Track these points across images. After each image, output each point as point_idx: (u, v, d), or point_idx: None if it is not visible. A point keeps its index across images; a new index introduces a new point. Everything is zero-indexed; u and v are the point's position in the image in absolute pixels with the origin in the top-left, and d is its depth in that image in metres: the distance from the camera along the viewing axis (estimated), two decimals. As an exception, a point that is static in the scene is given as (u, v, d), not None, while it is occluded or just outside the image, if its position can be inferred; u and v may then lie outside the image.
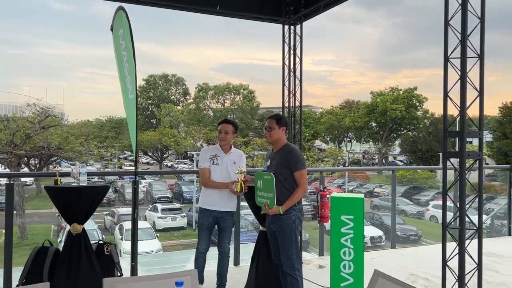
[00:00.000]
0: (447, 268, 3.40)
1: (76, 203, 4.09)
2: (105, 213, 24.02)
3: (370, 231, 19.66)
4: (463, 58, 3.27)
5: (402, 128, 48.93)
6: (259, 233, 4.55)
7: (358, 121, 48.59)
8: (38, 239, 19.33)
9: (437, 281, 4.47)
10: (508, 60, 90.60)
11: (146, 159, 55.91)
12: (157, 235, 19.62)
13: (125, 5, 4.53)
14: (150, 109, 60.41)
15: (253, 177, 4.02)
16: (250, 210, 4.48)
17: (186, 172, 38.36)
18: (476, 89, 3.31)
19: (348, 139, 55.96)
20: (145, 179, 37.32)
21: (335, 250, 4.16)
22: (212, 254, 4.40)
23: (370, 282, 2.23)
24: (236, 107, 49.94)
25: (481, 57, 3.30)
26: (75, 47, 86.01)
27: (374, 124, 49.43)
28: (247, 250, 5.48)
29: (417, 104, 47.58)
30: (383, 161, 49.87)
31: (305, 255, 6.27)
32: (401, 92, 47.42)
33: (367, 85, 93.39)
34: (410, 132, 48.00)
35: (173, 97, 61.59)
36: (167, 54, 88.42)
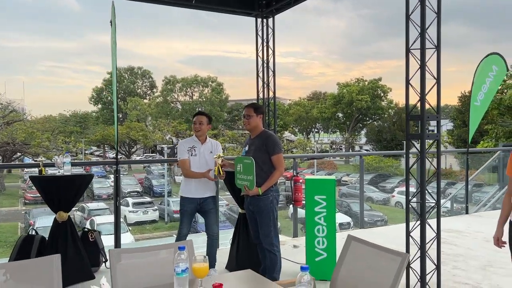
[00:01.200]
0: (410, 238, 3.79)
1: (62, 191, 4.23)
2: (74, 208, 23.65)
3: (339, 217, 20.33)
4: (423, 49, 3.63)
5: (367, 118, 50.31)
6: (239, 215, 4.82)
7: (325, 112, 49.59)
8: (5, 238, 18.87)
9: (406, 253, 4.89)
10: (468, 51, 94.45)
11: (113, 153, 54.94)
12: (129, 229, 19.56)
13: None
14: (116, 102, 59.21)
15: (231, 162, 4.28)
16: (224, 201, 4.82)
17: (164, 161, 38.00)
18: (434, 77, 3.68)
19: (316, 130, 57.05)
20: (113, 173, 36.80)
21: (310, 228, 4.49)
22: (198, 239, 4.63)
23: (344, 245, 2.54)
24: (204, 99, 49.79)
25: (438, 48, 3.67)
26: (35, 40, 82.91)
27: (340, 115, 50.59)
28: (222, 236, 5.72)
29: (382, 94, 49.01)
30: (350, 150, 51.12)
31: (280, 237, 6.58)
32: (366, 83, 48.69)
33: (333, 76, 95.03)
34: (375, 122, 49.45)
35: (139, 90, 60.58)
36: (133, 46, 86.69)
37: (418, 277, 3.74)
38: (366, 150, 53.38)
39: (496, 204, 9.48)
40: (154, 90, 60.20)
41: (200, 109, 47.99)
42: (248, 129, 4.11)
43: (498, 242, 3.03)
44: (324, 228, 4.48)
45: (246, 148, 4.11)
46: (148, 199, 26.11)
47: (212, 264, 4.50)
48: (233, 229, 5.07)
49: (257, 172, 3.88)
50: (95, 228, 17.82)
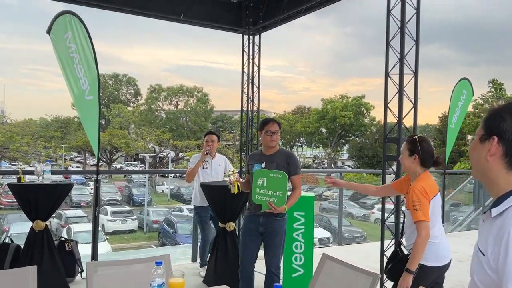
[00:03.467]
0: (385, 257, 3.88)
1: (40, 200, 4.20)
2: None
3: (319, 232, 20.40)
4: (401, 74, 3.78)
5: (350, 135, 50.90)
6: (218, 230, 4.85)
7: (309, 127, 50.01)
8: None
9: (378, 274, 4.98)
10: (450, 72, 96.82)
11: (94, 160, 54.09)
12: (106, 238, 19.24)
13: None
14: (99, 109, 58.47)
15: (242, 179, 4.24)
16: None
17: (146, 172, 37.61)
18: (411, 101, 3.82)
19: (300, 144, 57.39)
20: (92, 180, 36.24)
21: (287, 244, 4.54)
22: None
23: (319, 263, 2.61)
24: (189, 109, 49.66)
25: (416, 73, 3.82)
26: (18, 42, 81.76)
27: (324, 130, 51.06)
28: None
29: (365, 111, 49.74)
30: (332, 165, 51.56)
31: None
32: (350, 99, 49.38)
33: (318, 91, 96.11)
34: (357, 138, 50.06)
35: (123, 97, 60.10)
36: (119, 53, 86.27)
37: (391, 296, 3.82)
38: (348, 165, 53.92)
39: (471, 224, 9.71)
40: (139, 97, 59.81)
41: (182, 119, 47.97)
42: (272, 146, 3.71)
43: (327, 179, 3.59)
44: (302, 245, 4.54)
45: (263, 165, 3.71)
46: (127, 208, 25.77)
47: (203, 263, 5.16)
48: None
49: None
50: (72, 236, 17.52)
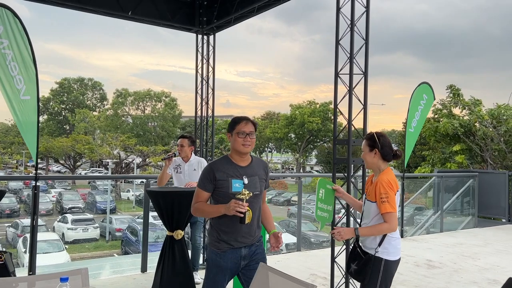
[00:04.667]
0: (335, 264, 3.74)
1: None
2: (6, 224, 22.10)
3: (286, 238, 20.29)
4: (351, 74, 3.66)
5: (318, 140, 51.42)
6: (166, 239, 4.59)
7: (278, 132, 50.18)
8: None
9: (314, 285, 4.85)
10: (414, 79, 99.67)
11: (57, 167, 52.31)
12: (65, 247, 18.46)
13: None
14: (64, 114, 56.81)
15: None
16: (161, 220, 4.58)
17: (88, 178, 36.56)
18: (361, 102, 3.72)
19: (269, 149, 57.48)
20: (55, 187, 34.93)
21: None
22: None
23: (256, 275, 2.42)
24: (157, 114, 48.88)
25: (365, 74, 3.71)
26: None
27: (293, 136, 51.37)
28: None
29: (332, 117, 50.36)
30: (301, 170, 51.84)
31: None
32: (318, 106, 49.95)
33: (287, 98, 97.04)
34: (325, 144, 50.61)
35: (89, 102, 58.58)
36: (85, 57, 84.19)
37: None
38: (316, 170, 54.38)
39: (430, 228, 9.80)
40: (105, 102, 58.47)
41: (150, 125, 47.14)
42: (245, 152, 2.73)
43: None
44: (253, 252, 4.33)
45: (246, 181, 2.70)
46: (89, 216, 24.89)
47: (195, 268, 5.09)
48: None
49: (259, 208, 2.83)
50: (27, 247, 16.66)
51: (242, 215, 2.53)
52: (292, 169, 54.19)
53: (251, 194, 2.59)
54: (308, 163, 56.25)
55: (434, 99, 7.57)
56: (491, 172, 11.47)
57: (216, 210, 2.65)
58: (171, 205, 4.31)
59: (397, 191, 2.85)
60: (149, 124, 48.61)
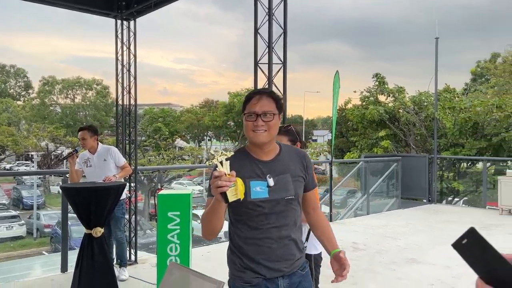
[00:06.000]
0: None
1: None
2: None
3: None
4: (270, 64, 3.64)
5: (257, 127, 51.89)
6: (84, 237, 4.35)
7: (217, 120, 49.90)
8: None
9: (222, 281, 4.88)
10: (347, 67, 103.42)
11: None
12: (-13, 248, 17.16)
13: None
14: None
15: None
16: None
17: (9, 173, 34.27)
18: (280, 92, 3.71)
19: (208, 138, 57.03)
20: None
21: (162, 247, 4.22)
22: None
23: (166, 273, 2.33)
24: (88, 103, 46.53)
25: (284, 64, 3.71)
26: None
27: (232, 123, 51.35)
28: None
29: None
30: (240, 158, 52.20)
31: (142, 254, 6.21)
32: (256, 93, 50.30)
33: (225, 85, 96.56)
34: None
35: (12, 90, 54.42)
36: (7, 42, 77.71)
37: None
38: (256, 158, 54.90)
39: (357, 211, 10.25)
40: (30, 91, 54.65)
41: (81, 114, 44.92)
42: (259, 142, 1.85)
43: None
44: (177, 246, 4.24)
45: (271, 182, 1.87)
46: (13, 212, 23.28)
47: (123, 264, 4.97)
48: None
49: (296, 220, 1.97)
50: None
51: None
52: (232, 157, 54.27)
53: (227, 154, 1.65)
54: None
55: (339, 86, 8.04)
56: (413, 156, 12.22)
57: (211, 206, 1.77)
58: (88, 201, 4.08)
59: None
60: (79, 113, 46.20)
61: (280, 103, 1.90)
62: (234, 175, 1.60)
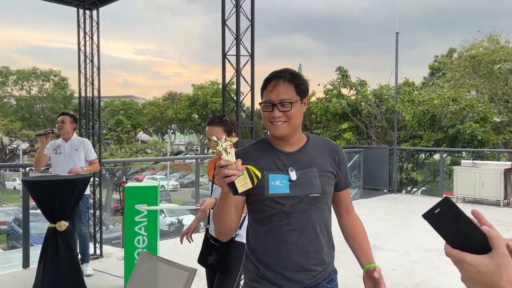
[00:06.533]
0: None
1: None
2: None
3: (189, 220, 20.28)
4: (238, 56, 3.67)
5: (221, 120, 51.72)
6: (47, 231, 4.24)
7: (180, 113, 49.30)
8: None
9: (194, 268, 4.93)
10: (311, 61, 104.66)
11: None
12: None
13: None
14: None
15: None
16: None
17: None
18: (248, 84, 3.76)
19: (172, 131, 56.25)
20: None
21: (129, 239, 4.20)
22: None
23: (137, 263, 2.35)
24: (45, 95, 44.70)
25: (252, 56, 3.75)
26: None
27: (196, 116, 50.89)
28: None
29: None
30: (205, 151, 51.90)
31: (107, 248, 6.12)
32: (220, 86, 50.06)
33: (189, 77, 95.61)
34: (228, 124, 51.11)
35: (-39, 81, 51.47)
36: (-46, 29, 73.21)
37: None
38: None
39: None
40: (-18, 82, 51.84)
41: (37, 106, 43.28)
42: (278, 135, 1.66)
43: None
44: (145, 239, 4.23)
45: (293, 176, 1.65)
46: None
47: (85, 259, 4.94)
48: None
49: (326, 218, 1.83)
50: None
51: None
52: (197, 150, 53.93)
53: (229, 142, 1.43)
54: (212, 144, 56.39)
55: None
56: (374, 147, 12.62)
57: (219, 200, 1.55)
58: (52, 194, 3.98)
59: None
60: (36, 106, 44.36)
61: (301, 88, 1.63)
62: (240, 163, 1.38)
